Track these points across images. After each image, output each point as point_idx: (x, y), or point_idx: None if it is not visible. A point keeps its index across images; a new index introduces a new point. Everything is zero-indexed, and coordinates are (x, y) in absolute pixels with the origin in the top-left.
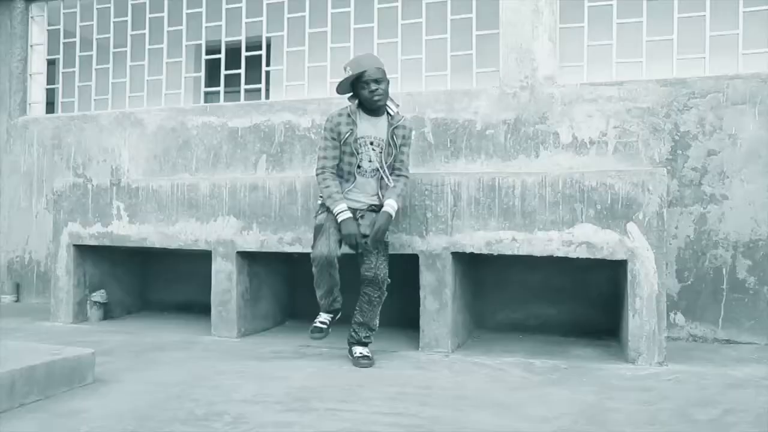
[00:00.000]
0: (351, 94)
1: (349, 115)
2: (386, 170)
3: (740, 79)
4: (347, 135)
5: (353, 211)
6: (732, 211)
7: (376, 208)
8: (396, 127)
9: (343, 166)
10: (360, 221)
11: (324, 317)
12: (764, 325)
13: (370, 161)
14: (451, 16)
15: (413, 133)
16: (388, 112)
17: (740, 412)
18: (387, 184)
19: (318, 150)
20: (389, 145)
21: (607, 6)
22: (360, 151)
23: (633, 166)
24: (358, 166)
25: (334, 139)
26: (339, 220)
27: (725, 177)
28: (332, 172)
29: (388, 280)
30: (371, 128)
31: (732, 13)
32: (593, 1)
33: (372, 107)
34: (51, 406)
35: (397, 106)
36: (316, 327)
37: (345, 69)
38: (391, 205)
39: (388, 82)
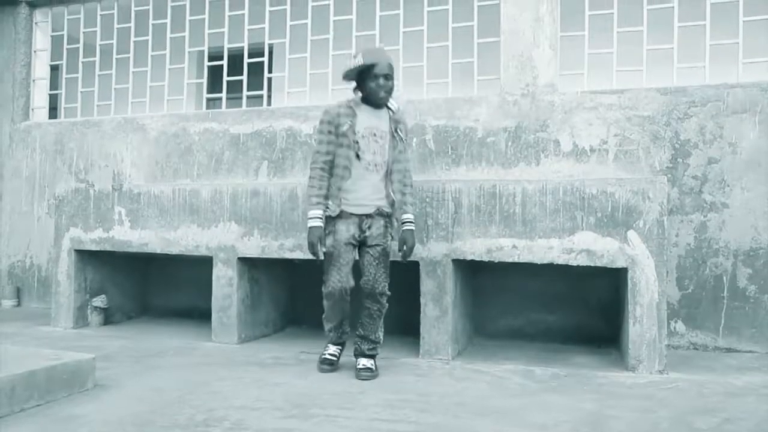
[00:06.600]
0: (354, 84)
1: (350, 107)
2: (392, 166)
3: (740, 88)
4: (347, 127)
5: (360, 217)
6: (732, 219)
7: (383, 211)
8: (398, 121)
9: (340, 161)
10: (368, 231)
11: (333, 349)
12: (765, 333)
13: (373, 153)
14: (453, 24)
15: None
16: (389, 107)
17: (740, 420)
18: (391, 182)
19: (314, 144)
20: (393, 138)
21: (607, 14)
22: (361, 143)
23: (633, 174)
24: (359, 158)
25: (330, 132)
26: (308, 225)
27: (725, 185)
28: (322, 168)
29: (388, 293)
30: (374, 120)
31: (732, 22)
32: (594, 9)
33: (375, 101)
34: (51, 411)
35: (398, 107)
36: (326, 359)
37: (354, 57)
38: (412, 221)
39: (393, 80)
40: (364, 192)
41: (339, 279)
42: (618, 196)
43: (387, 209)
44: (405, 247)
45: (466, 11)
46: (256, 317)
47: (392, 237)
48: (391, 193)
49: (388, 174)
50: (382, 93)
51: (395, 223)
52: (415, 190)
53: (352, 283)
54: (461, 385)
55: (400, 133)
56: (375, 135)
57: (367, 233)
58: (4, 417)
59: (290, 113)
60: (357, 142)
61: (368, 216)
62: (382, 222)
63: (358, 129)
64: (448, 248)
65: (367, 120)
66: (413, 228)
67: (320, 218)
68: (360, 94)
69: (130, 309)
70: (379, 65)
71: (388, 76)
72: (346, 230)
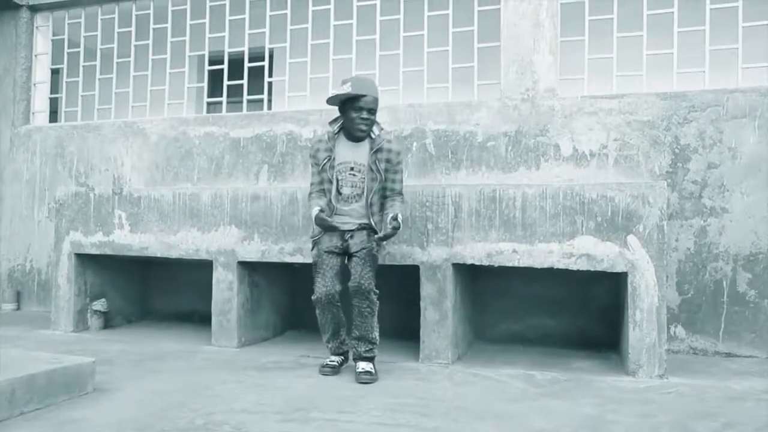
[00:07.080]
0: (338, 110)
1: (327, 141)
2: (373, 197)
3: (740, 93)
4: (325, 161)
5: (342, 233)
6: (732, 224)
7: (366, 226)
8: (378, 150)
9: (325, 191)
10: (350, 241)
11: (334, 358)
12: (764, 338)
13: (352, 187)
14: (453, 29)
15: (401, 156)
16: (369, 135)
17: (740, 425)
18: (376, 210)
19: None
20: (371, 170)
21: (607, 20)
22: (339, 177)
23: (633, 178)
24: (339, 193)
25: (316, 164)
26: (312, 215)
27: (725, 190)
28: (318, 192)
29: (375, 290)
30: (350, 154)
31: (731, 28)
32: (594, 14)
33: (353, 134)
34: (51, 414)
35: (381, 129)
36: (327, 365)
37: (344, 83)
38: (400, 215)
39: (375, 115)
40: (347, 218)
41: (324, 284)
42: (618, 201)
43: (369, 224)
44: (399, 219)
45: (466, 16)
46: (256, 321)
47: (378, 245)
48: (373, 215)
49: (370, 201)
50: (363, 126)
51: (385, 220)
52: (406, 204)
53: (338, 287)
54: (461, 389)
55: (378, 164)
56: (352, 169)
57: (350, 242)
58: (3, 421)
59: (290, 117)
60: (334, 177)
61: (349, 230)
62: (364, 232)
63: (335, 164)
64: (448, 252)
65: (344, 154)
66: (400, 216)
67: (320, 209)
68: (337, 125)
69: (130, 313)
70: (365, 98)
71: (372, 111)
72: (328, 240)
